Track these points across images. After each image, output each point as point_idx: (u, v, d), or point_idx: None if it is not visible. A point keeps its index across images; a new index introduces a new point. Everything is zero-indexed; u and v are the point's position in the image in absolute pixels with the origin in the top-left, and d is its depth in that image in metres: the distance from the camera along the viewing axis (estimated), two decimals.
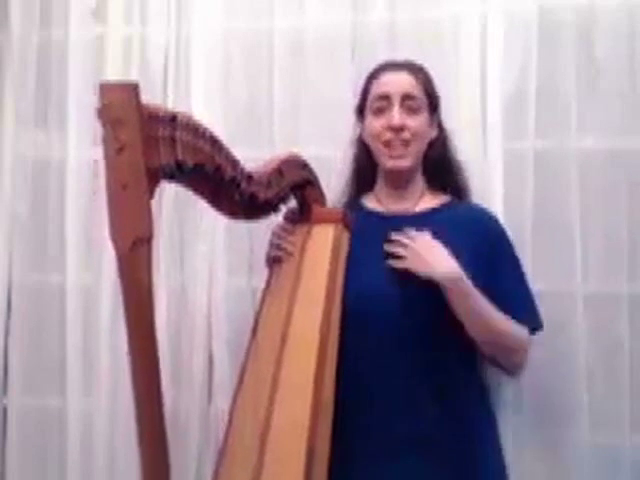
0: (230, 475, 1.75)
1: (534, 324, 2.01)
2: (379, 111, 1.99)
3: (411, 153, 1.99)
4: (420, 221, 1.99)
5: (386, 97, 1.98)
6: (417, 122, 1.98)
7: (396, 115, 1.95)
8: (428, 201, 2.06)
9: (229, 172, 1.53)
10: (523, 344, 1.97)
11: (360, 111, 2.09)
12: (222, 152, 1.50)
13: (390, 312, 1.88)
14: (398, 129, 1.95)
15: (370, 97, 2.03)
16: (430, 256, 1.87)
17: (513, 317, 1.93)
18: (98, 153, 2.34)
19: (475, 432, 1.94)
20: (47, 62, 2.54)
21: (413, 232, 1.92)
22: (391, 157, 1.99)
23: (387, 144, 1.98)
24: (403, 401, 1.88)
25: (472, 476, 1.90)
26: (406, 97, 1.97)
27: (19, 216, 2.52)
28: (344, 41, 2.41)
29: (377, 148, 2.02)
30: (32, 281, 2.54)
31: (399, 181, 2.05)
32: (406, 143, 1.97)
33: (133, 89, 1.27)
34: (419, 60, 2.09)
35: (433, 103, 2.04)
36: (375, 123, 2.00)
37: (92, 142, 2.45)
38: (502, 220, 2.18)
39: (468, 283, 1.85)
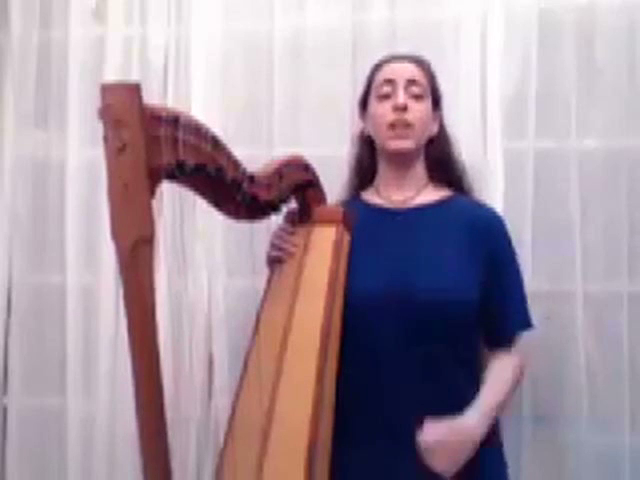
0: (232, 472, 1.75)
1: (526, 326, 2.03)
2: (384, 97, 2.00)
3: (414, 136, 1.99)
4: (421, 214, 2.01)
5: (391, 82, 1.99)
6: (421, 107, 1.99)
7: (400, 96, 1.96)
8: (430, 194, 2.06)
9: (230, 173, 1.53)
10: (522, 369, 2.02)
11: (363, 104, 2.10)
12: (223, 153, 1.50)
13: (392, 308, 1.88)
14: (402, 109, 1.96)
15: (374, 84, 2.04)
16: (452, 453, 1.85)
17: (507, 322, 1.99)
18: (98, 153, 2.37)
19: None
20: (47, 62, 2.54)
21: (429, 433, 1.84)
22: (394, 138, 1.98)
23: (391, 126, 1.98)
24: (407, 398, 1.88)
25: (478, 470, 1.89)
26: (410, 82, 1.98)
27: (19, 216, 2.53)
28: (344, 41, 2.41)
29: (380, 131, 2.01)
30: (32, 281, 2.55)
31: (400, 165, 2.05)
32: (409, 125, 1.97)
33: (135, 89, 1.27)
34: None
35: (435, 97, 2.06)
36: (379, 108, 2.01)
37: (92, 142, 2.45)
38: None
39: (481, 421, 1.87)
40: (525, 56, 2.30)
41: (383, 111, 1.99)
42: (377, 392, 1.90)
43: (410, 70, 2.01)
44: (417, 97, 1.99)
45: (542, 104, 2.29)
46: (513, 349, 2.00)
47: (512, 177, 2.29)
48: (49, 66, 2.55)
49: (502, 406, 1.94)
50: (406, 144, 1.99)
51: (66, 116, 2.50)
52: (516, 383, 2.00)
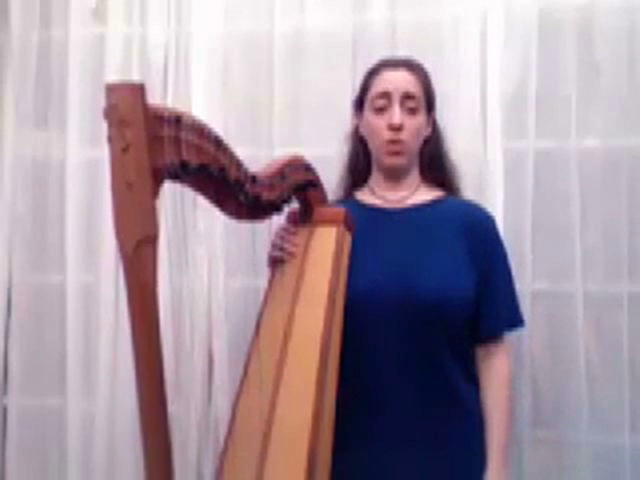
0: (232, 476, 1.75)
1: (513, 325, 2.05)
2: (380, 110, 2.00)
3: (408, 151, 2.01)
4: (416, 214, 2.02)
5: (387, 95, 1.99)
6: (415, 122, 1.99)
7: (396, 115, 1.96)
8: (424, 194, 2.07)
9: (233, 173, 1.52)
10: (509, 371, 2.03)
11: (359, 104, 2.10)
12: (226, 153, 1.50)
13: (391, 307, 1.89)
14: (397, 128, 1.96)
15: (370, 94, 2.03)
16: None
17: (494, 320, 1.99)
18: (98, 153, 2.38)
19: (478, 426, 1.97)
20: (47, 62, 2.54)
21: None
22: (389, 155, 2.00)
23: (386, 143, 1.99)
24: (406, 395, 1.90)
25: (477, 470, 1.93)
26: (406, 97, 1.98)
27: (19, 216, 2.52)
28: (344, 41, 2.42)
29: (375, 145, 2.03)
30: (32, 281, 2.55)
31: (395, 176, 2.06)
32: (404, 142, 1.98)
33: (139, 89, 1.27)
34: (419, 60, 2.08)
35: (430, 101, 2.06)
36: (375, 121, 2.01)
37: (92, 142, 2.46)
38: (502, 220, 2.22)
39: (500, 471, 1.93)
40: (525, 56, 2.30)
41: (378, 126, 2.00)
42: (377, 390, 1.91)
43: (406, 81, 2.00)
44: (412, 110, 1.99)
45: (542, 104, 2.29)
46: (501, 347, 2.01)
47: (512, 177, 2.30)
48: (49, 66, 2.54)
49: (509, 437, 1.99)
50: (400, 160, 2.01)
51: (66, 116, 2.50)
52: (510, 397, 2.00)
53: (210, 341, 2.41)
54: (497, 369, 1.99)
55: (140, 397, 1.38)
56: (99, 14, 2.52)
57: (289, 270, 1.95)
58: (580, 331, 2.24)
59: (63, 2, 2.52)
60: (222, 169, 1.49)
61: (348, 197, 2.15)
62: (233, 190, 1.58)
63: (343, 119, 2.25)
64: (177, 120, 1.36)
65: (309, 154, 1.95)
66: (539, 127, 2.29)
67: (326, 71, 2.42)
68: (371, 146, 2.06)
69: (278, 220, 2.03)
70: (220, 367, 2.40)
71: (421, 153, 2.09)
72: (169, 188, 1.72)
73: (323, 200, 2.02)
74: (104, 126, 1.29)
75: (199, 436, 2.41)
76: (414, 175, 2.09)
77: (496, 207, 2.24)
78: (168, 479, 1.42)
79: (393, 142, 1.98)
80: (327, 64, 2.42)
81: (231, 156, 1.52)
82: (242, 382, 1.87)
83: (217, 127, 1.50)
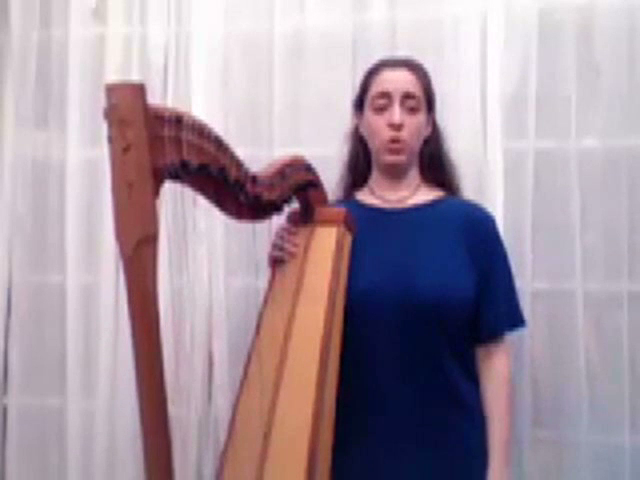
0: (233, 476, 1.75)
1: (513, 325, 2.05)
2: (380, 109, 2.00)
3: (408, 150, 2.01)
4: (416, 214, 2.02)
5: (387, 95, 1.98)
6: (415, 121, 1.99)
7: (396, 113, 1.96)
8: (424, 194, 2.07)
9: (233, 173, 1.53)
10: (509, 372, 2.03)
11: (359, 104, 2.10)
12: (227, 153, 1.50)
13: (391, 307, 1.89)
14: (398, 127, 1.96)
15: (370, 94, 2.03)
16: None
17: (493, 321, 1.98)
18: (98, 153, 2.38)
19: (479, 425, 1.97)
20: (47, 62, 2.54)
21: None
22: (389, 152, 2.00)
23: (386, 141, 1.99)
24: (406, 396, 1.90)
25: (478, 470, 1.93)
26: (406, 96, 1.98)
27: (19, 216, 2.53)
28: (344, 41, 2.41)
29: (376, 144, 2.03)
30: (32, 281, 2.55)
31: (395, 175, 2.06)
32: (404, 140, 1.98)
33: (139, 89, 1.27)
34: (419, 60, 2.07)
35: (430, 101, 2.05)
36: (375, 120, 2.01)
37: (92, 142, 2.46)
38: (502, 220, 2.22)
39: (502, 471, 1.93)
40: (525, 56, 2.30)
41: (378, 125, 2.00)
42: (377, 390, 1.92)
43: (406, 81, 2.00)
44: (412, 109, 1.99)
45: (542, 104, 2.29)
46: (501, 347, 2.01)
47: (512, 177, 2.29)
48: (49, 66, 2.55)
49: (511, 436, 1.99)
50: (400, 158, 2.01)
51: (66, 116, 2.50)
52: (511, 396, 2.00)
53: (210, 341, 2.41)
54: (497, 369, 1.99)
55: (140, 397, 1.38)
56: (99, 14, 2.52)
57: (289, 270, 1.95)
58: (580, 331, 2.24)
59: (63, 2, 2.53)
60: (222, 169, 1.49)
61: (348, 197, 2.14)
62: (233, 190, 1.58)
63: (343, 119, 2.24)
64: (178, 120, 1.36)
65: (309, 154, 1.95)
66: (539, 127, 2.29)
67: (326, 71, 2.41)
68: (371, 145, 2.06)
69: (278, 220, 2.02)
70: (220, 367, 2.40)
71: (421, 153, 2.08)
72: (169, 188, 1.72)
73: (323, 200, 2.02)
74: (104, 126, 1.28)
75: (199, 436, 2.41)
76: (414, 175, 2.08)
77: (496, 207, 2.24)
78: (168, 479, 1.42)
79: (393, 141, 1.98)
80: (327, 64, 2.41)
81: (231, 156, 1.52)
82: (242, 383, 1.86)
83: (217, 127, 1.50)
